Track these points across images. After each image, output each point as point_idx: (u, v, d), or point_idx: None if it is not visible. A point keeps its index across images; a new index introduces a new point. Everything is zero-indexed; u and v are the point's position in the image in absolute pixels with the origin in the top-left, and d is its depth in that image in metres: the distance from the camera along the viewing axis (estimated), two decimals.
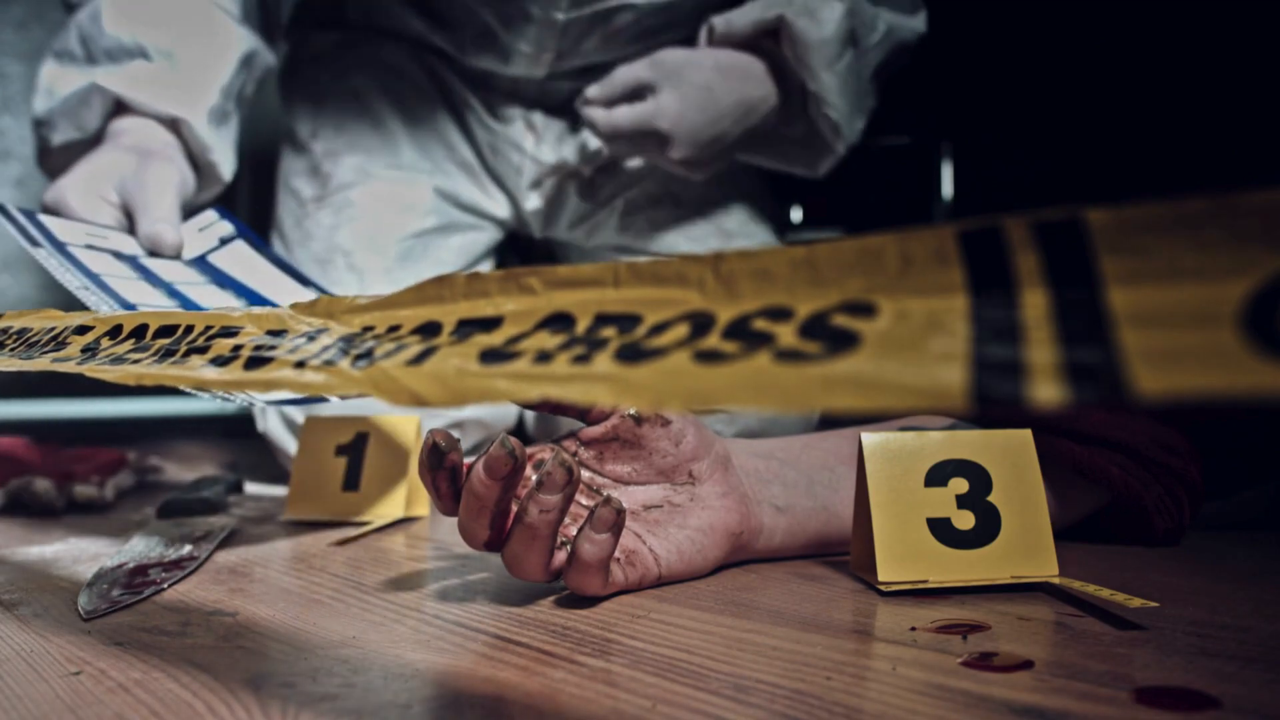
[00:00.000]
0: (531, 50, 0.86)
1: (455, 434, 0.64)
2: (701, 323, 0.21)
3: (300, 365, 0.26)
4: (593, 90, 0.78)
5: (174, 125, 0.75)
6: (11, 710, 0.28)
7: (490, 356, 0.23)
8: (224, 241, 0.73)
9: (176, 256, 0.68)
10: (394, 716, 0.27)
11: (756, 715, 0.27)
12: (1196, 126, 0.96)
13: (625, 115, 0.77)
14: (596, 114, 0.78)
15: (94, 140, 0.76)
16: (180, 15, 0.77)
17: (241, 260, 0.73)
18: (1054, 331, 0.17)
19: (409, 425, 0.64)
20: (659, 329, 0.21)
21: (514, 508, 0.39)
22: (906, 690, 0.29)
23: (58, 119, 0.75)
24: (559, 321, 0.23)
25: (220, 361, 0.28)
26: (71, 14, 0.78)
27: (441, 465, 0.38)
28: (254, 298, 0.68)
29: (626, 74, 0.78)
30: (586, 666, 0.32)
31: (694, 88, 0.77)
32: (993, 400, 0.17)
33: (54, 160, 0.78)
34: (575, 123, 0.92)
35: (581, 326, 0.23)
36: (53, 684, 0.30)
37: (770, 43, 0.80)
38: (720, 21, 0.81)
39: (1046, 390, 0.16)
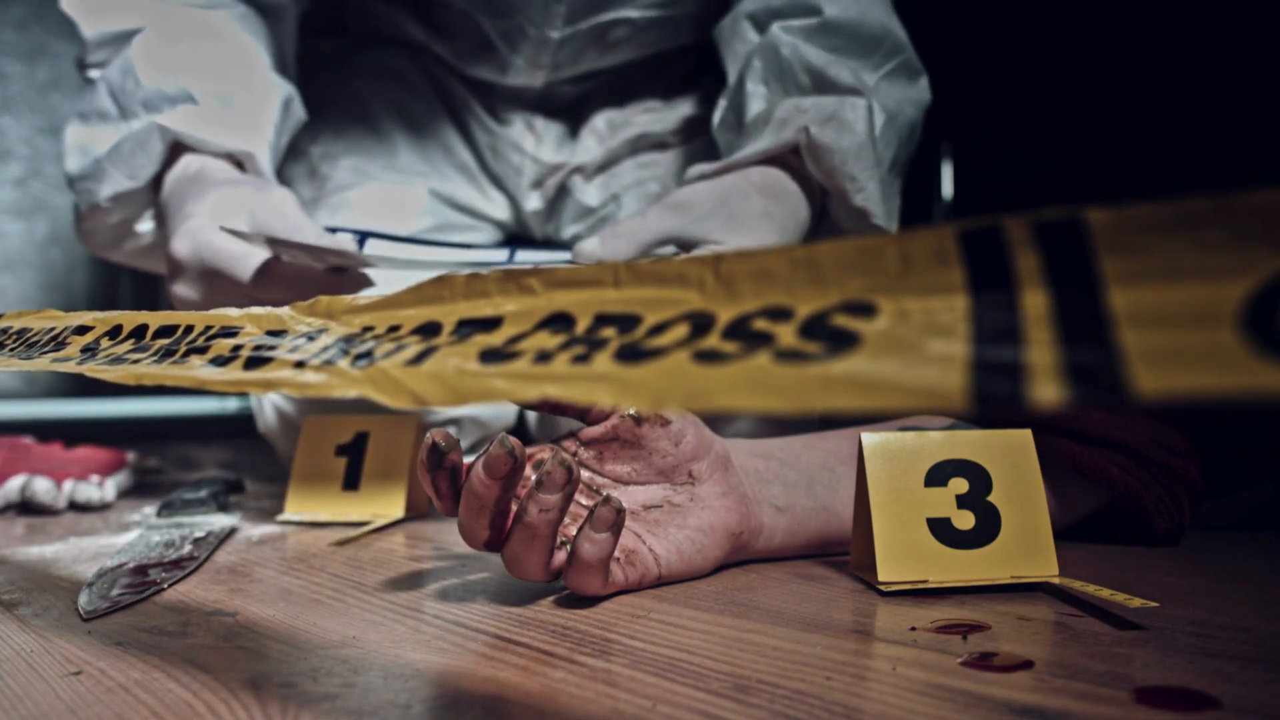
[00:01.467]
0: (527, 64, 0.86)
1: (453, 432, 0.64)
2: (701, 323, 0.21)
3: (300, 365, 0.26)
4: (591, 248, 0.62)
5: (238, 163, 0.72)
6: (11, 710, 0.28)
7: (490, 356, 0.23)
8: (360, 245, 0.73)
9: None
10: (394, 716, 0.27)
11: (756, 715, 0.27)
12: (1196, 127, 0.96)
13: None
14: None
15: (151, 189, 0.72)
16: (219, 62, 0.74)
17: (389, 249, 0.72)
18: (1054, 332, 0.17)
19: (409, 425, 0.64)
20: (659, 329, 0.21)
21: (514, 507, 0.39)
22: (906, 690, 0.29)
23: (107, 168, 0.71)
24: (559, 321, 0.23)
25: (220, 362, 0.29)
26: (84, 73, 0.75)
27: (441, 465, 0.38)
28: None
29: (645, 230, 0.63)
30: (586, 666, 0.31)
31: (755, 219, 0.65)
32: (993, 401, 0.17)
33: (100, 218, 0.73)
34: (576, 124, 0.93)
35: (581, 326, 0.23)
36: (53, 684, 0.30)
37: (794, 159, 0.70)
38: (737, 157, 0.71)
39: (1046, 391, 0.16)
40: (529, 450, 0.42)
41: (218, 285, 0.63)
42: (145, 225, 0.75)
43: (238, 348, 0.29)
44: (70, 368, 0.33)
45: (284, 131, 0.78)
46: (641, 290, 0.23)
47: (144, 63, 0.72)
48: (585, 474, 0.44)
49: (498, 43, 0.85)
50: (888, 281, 0.20)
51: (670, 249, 0.65)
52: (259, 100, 0.74)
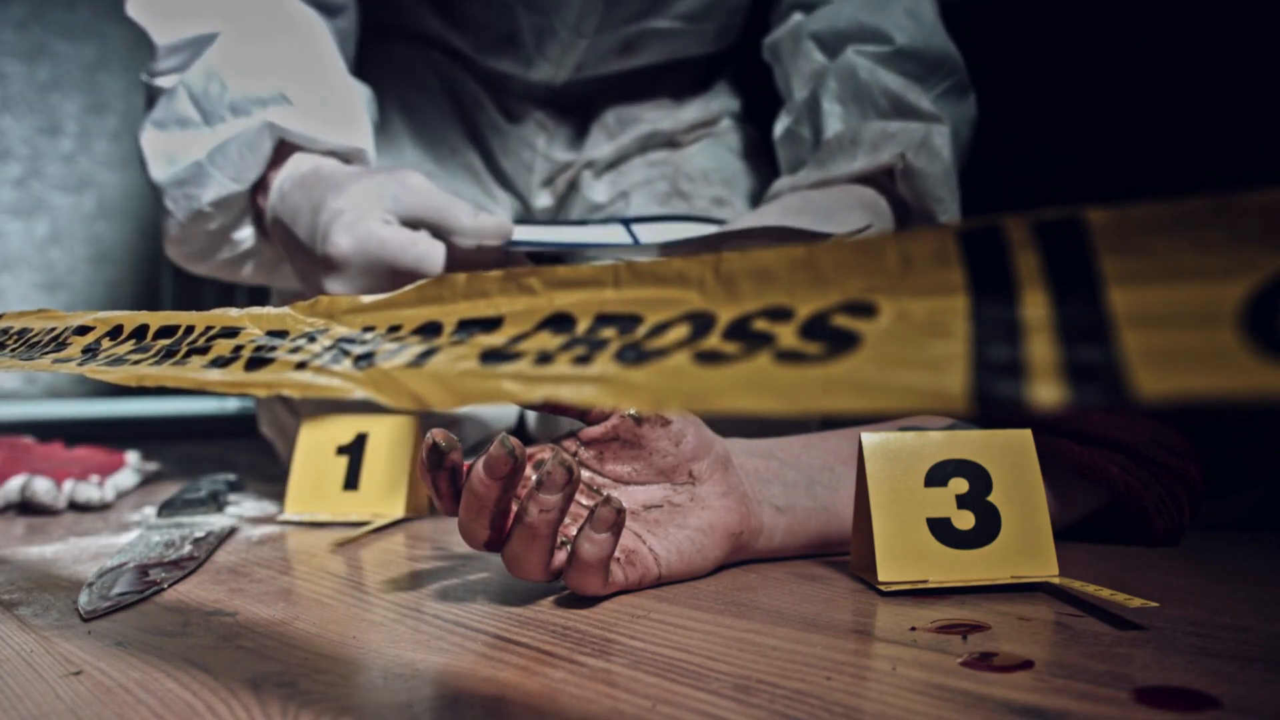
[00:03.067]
0: (552, 61, 0.86)
1: (453, 432, 0.64)
2: (702, 323, 0.21)
3: (301, 366, 0.26)
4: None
5: (347, 160, 0.70)
6: (11, 710, 0.28)
7: (491, 357, 0.23)
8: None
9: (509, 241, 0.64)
10: (394, 716, 0.27)
11: (757, 715, 0.27)
12: (1196, 127, 0.96)
13: None
14: None
15: (254, 192, 0.70)
16: (305, 62, 0.72)
17: (548, 232, 0.70)
18: (1054, 332, 0.17)
19: (409, 425, 0.64)
20: (659, 329, 0.21)
21: (514, 508, 0.39)
22: (906, 690, 0.29)
23: (210, 171, 0.69)
24: (559, 322, 0.23)
25: (221, 362, 0.29)
26: (153, 80, 0.72)
27: (442, 465, 0.38)
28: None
29: (767, 222, 0.65)
30: (586, 666, 0.32)
31: (859, 229, 0.69)
32: (993, 401, 0.17)
33: (199, 225, 0.71)
34: (587, 121, 0.93)
35: (582, 327, 0.23)
36: (53, 684, 0.30)
37: (883, 178, 0.75)
38: (834, 174, 0.74)
39: (1047, 391, 0.16)
40: (529, 450, 0.42)
41: (391, 280, 0.59)
42: (244, 232, 0.73)
43: (239, 348, 0.29)
44: (71, 368, 0.33)
45: (374, 131, 0.76)
46: (642, 290, 0.23)
47: (228, 65, 0.70)
48: (585, 474, 0.44)
49: (527, 37, 0.85)
50: (888, 282, 0.20)
51: None
52: (350, 99, 0.73)
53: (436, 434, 0.38)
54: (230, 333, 0.30)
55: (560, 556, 0.40)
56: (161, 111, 0.71)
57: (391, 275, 0.60)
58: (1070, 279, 0.18)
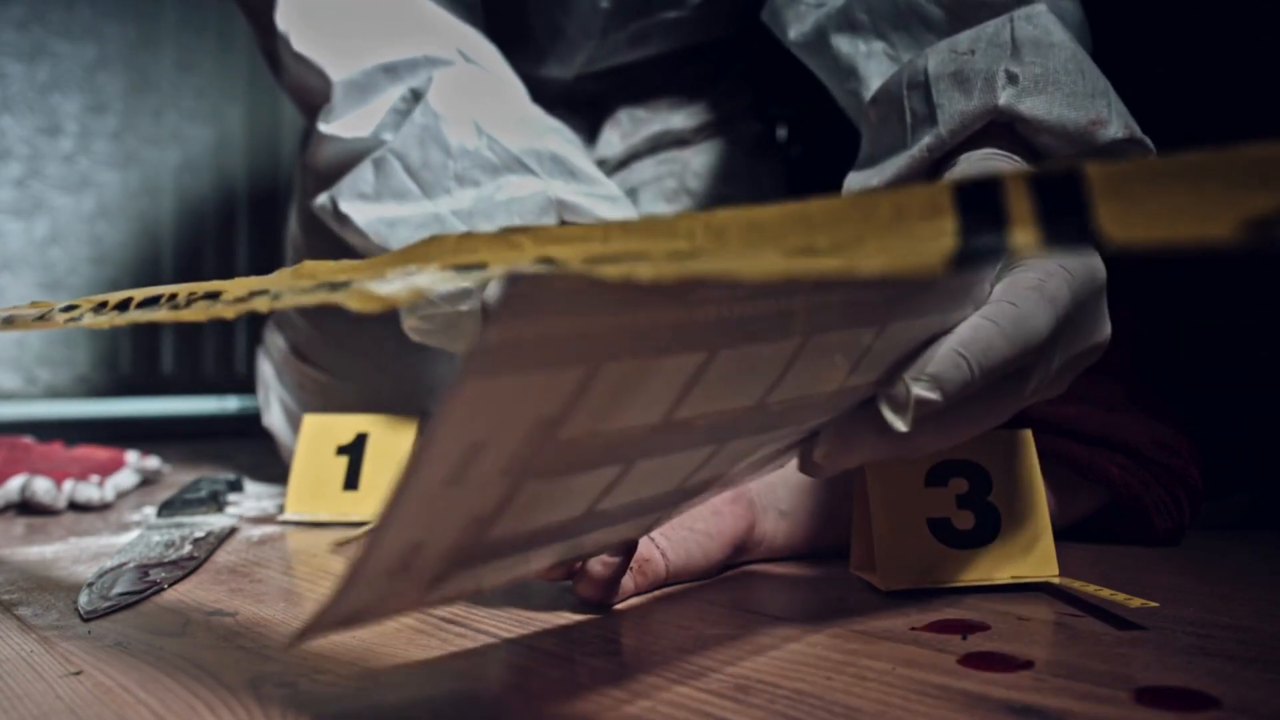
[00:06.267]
0: (562, 63, 0.87)
1: None
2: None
3: (276, 297, 0.27)
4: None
5: None
6: (11, 710, 0.28)
7: (466, 270, 0.23)
8: None
9: None
10: (394, 717, 0.27)
11: (756, 715, 0.27)
12: (1196, 124, 0.96)
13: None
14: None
15: None
16: (510, 102, 0.64)
17: None
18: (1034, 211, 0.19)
19: (409, 425, 0.64)
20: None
21: None
22: (906, 690, 0.29)
23: None
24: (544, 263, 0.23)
25: (194, 302, 0.29)
26: (336, 141, 0.64)
27: None
28: None
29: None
30: (587, 666, 0.31)
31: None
32: (975, 256, 0.18)
33: (439, 307, 0.61)
34: (598, 120, 0.93)
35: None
36: (53, 684, 0.30)
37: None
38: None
39: (1024, 237, 0.18)
40: None
41: None
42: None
43: (216, 293, 0.29)
44: (55, 323, 0.33)
45: None
46: (631, 243, 0.23)
47: (445, 115, 0.62)
48: None
49: (539, 34, 0.85)
50: (878, 229, 0.20)
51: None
52: (572, 146, 0.65)
53: None
54: (213, 295, 0.30)
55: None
56: (370, 185, 0.63)
57: None
58: (1060, 209, 0.18)
